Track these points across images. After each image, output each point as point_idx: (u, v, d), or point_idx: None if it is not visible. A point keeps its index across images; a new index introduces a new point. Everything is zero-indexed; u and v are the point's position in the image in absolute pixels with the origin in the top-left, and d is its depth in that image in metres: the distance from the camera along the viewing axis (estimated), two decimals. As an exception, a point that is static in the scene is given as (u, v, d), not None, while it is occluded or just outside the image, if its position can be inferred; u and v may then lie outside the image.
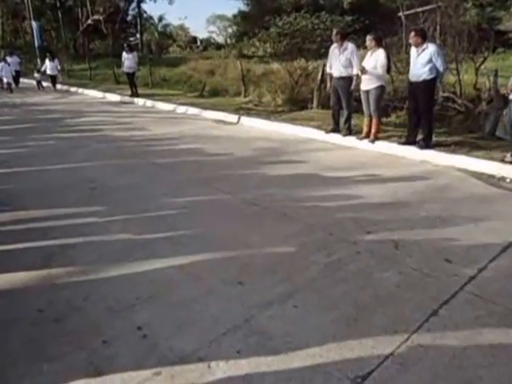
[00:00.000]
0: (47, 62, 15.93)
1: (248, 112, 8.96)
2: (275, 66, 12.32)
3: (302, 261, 2.97)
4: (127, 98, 12.19)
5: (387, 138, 6.20)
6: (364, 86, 6.00)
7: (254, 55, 18.87)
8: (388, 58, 5.81)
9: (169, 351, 2.12)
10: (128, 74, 12.21)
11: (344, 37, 6.32)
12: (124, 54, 12.13)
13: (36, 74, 16.91)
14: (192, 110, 9.65)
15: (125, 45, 13.09)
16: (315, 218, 3.67)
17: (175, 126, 8.11)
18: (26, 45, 27.45)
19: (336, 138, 6.57)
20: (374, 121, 6.04)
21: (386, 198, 4.15)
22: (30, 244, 3.29)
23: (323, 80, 8.72)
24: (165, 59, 23.77)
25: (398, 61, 7.80)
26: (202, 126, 8.11)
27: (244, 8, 30.39)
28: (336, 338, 2.18)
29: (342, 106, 6.50)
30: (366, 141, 6.14)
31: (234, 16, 32.46)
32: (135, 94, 12.14)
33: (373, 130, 6.08)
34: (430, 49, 5.33)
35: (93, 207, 4.02)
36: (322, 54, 8.91)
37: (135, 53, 12.59)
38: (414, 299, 2.50)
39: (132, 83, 12.21)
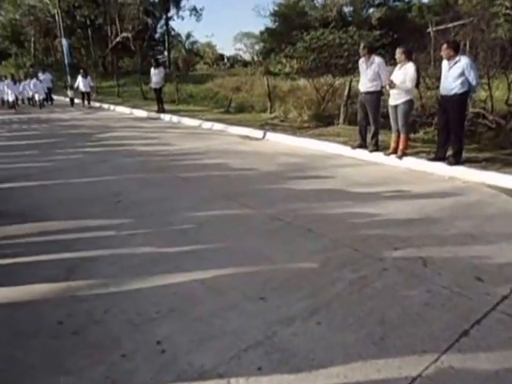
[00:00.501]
0: (80, 78, 16.02)
1: (274, 128, 8.97)
2: (302, 82, 12.36)
3: (326, 277, 2.86)
4: (154, 114, 12.45)
5: (415, 154, 6.04)
6: (392, 101, 5.89)
7: (280, 72, 19.06)
8: (418, 71, 5.70)
9: (188, 366, 2.06)
10: (155, 90, 12.46)
11: (371, 50, 6.25)
12: (152, 70, 12.42)
13: (69, 91, 17.07)
14: (217, 126, 9.74)
15: (152, 60, 13.43)
16: (341, 234, 3.56)
17: (200, 141, 8.19)
18: (56, 63, 28.67)
19: (363, 154, 6.46)
20: (402, 136, 5.91)
21: (414, 214, 4.00)
22: (53, 256, 3.32)
23: (350, 96, 8.67)
24: (192, 76, 24.35)
25: (426, 76, 7.66)
26: (228, 142, 8.15)
27: (271, 25, 30.89)
28: (361, 358, 2.07)
29: (368, 122, 6.39)
30: (393, 157, 6.00)
31: (261, 33, 32.98)
32: (162, 110, 12.37)
33: (400, 146, 5.93)
34: (463, 61, 5.17)
35: (116, 220, 4.05)
36: (350, 69, 8.83)
37: (161, 68, 12.85)
38: (444, 318, 2.36)
39: (159, 99, 12.46)
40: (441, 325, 2.31)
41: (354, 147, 6.64)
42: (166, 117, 11.88)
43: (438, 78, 5.72)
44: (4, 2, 33.96)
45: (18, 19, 32.38)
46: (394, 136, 6.09)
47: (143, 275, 2.97)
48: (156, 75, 12.28)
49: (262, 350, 2.15)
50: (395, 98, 5.82)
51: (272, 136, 8.29)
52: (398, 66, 5.83)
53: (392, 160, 6.00)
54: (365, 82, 6.21)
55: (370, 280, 2.81)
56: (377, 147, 6.35)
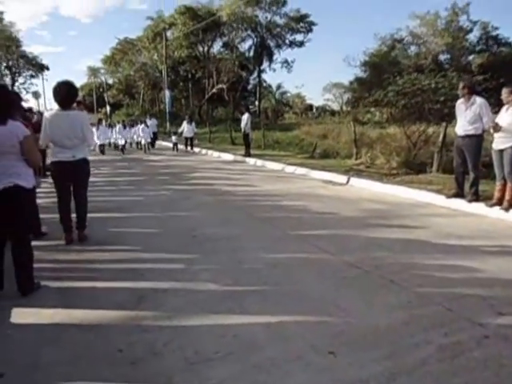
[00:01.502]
0: (185, 124, 16.54)
1: (359, 173, 8.63)
2: (391, 130, 11.95)
3: (409, 337, 2.45)
4: (240, 158, 12.90)
5: (525, 206, 5.26)
6: (497, 145, 5.28)
7: (369, 121, 18.76)
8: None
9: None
10: (243, 134, 13.05)
11: (472, 91, 5.72)
12: (242, 116, 13.12)
13: (173, 137, 17.60)
14: (300, 170, 9.68)
15: (243, 108, 14.15)
16: (430, 289, 3.10)
17: (281, 184, 8.15)
18: (159, 111, 31.66)
19: (459, 204, 5.82)
20: (509, 185, 5.19)
21: (525, 274, 3.37)
22: (126, 283, 3.36)
23: (445, 142, 8.08)
24: (280, 124, 25.10)
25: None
26: (309, 185, 7.99)
27: (361, 74, 30.95)
28: None
29: (466, 168, 5.79)
30: (497, 208, 5.29)
31: (351, 82, 33.15)
32: (248, 154, 12.78)
33: (507, 197, 5.21)
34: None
35: (190, 254, 4.04)
36: (446, 115, 8.24)
37: (249, 114, 13.45)
38: None
39: (246, 143, 12.93)
40: None
41: (448, 196, 6.02)
42: (251, 160, 12.20)
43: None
44: (122, 60, 39.21)
45: (132, 75, 36.91)
46: (498, 185, 5.40)
47: (207, 312, 2.84)
48: (244, 120, 12.97)
49: (326, 415, 1.84)
50: (501, 142, 5.22)
51: (356, 181, 7.95)
52: (505, 107, 5.26)
53: (496, 212, 5.29)
54: (463, 125, 5.69)
55: (467, 348, 2.33)
56: (477, 197, 5.68)
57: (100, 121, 16.97)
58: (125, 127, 18.64)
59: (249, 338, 2.50)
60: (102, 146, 15.63)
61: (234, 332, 2.57)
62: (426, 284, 3.20)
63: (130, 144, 19.30)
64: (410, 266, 3.61)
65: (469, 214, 5.49)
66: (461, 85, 5.85)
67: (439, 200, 6.15)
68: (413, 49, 31.57)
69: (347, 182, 8.12)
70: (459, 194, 5.91)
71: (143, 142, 16.78)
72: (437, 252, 4.00)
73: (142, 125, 17.59)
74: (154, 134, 18.71)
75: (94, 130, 14.95)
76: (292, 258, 3.90)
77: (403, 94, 8.70)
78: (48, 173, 5.70)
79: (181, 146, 17.13)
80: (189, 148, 16.64)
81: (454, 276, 3.38)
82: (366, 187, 7.60)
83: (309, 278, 3.40)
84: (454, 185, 6.03)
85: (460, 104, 5.82)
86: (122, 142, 17.26)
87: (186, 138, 16.64)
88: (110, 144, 18.89)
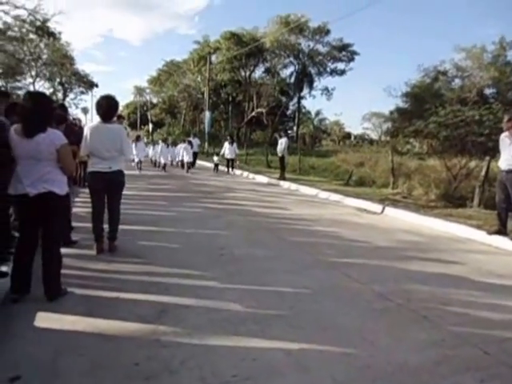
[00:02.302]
0: (227, 145, 16.12)
1: (394, 203, 8.38)
2: (431, 161, 11.61)
3: (441, 379, 2.27)
4: (274, 180, 12.88)
5: None
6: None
7: (408, 151, 18.34)
8: None
9: None
10: (279, 158, 13.07)
11: (517, 123, 5.49)
12: (279, 139, 13.19)
13: (215, 157, 17.20)
14: (334, 197, 9.52)
15: (281, 132, 14.21)
16: (466, 329, 2.89)
17: (314, 209, 8.03)
18: (199, 132, 32.39)
19: (502, 242, 5.49)
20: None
21: None
22: (150, 297, 3.35)
23: (488, 177, 7.74)
24: (316, 151, 25.02)
25: None
26: (342, 212, 7.82)
27: (402, 105, 30.47)
28: None
29: (510, 205, 5.48)
30: (543, 248, 4.95)
31: (391, 112, 32.70)
32: (282, 177, 12.75)
33: (553, 237, 4.89)
34: None
35: (216, 272, 3.99)
36: (489, 149, 7.91)
37: (286, 138, 13.50)
38: None
39: (281, 166, 12.94)
40: None
41: (490, 233, 5.70)
42: (285, 184, 12.16)
43: None
44: (167, 81, 40.82)
45: (175, 95, 38.25)
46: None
47: (227, 332, 2.77)
48: (281, 144, 13.01)
49: None
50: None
51: (392, 211, 7.71)
52: None
53: (541, 252, 4.95)
54: (507, 159, 5.42)
55: (505, 397, 2.13)
56: (520, 235, 5.35)
57: (138, 137, 17.08)
58: (168, 146, 18.59)
59: (268, 363, 2.40)
60: (139, 163, 15.50)
61: (254, 356, 2.48)
62: (461, 323, 2.99)
63: (171, 162, 18.95)
64: (445, 302, 3.40)
65: (511, 253, 5.17)
66: (506, 118, 5.61)
67: (479, 236, 5.84)
68: (457, 81, 30.91)
69: (382, 211, 7.89)
70: (501, 231, 5.58)
71: (185, 160, 16.30)
72: (475, 290, 3.75)
73: (185, 143, 17.17)
74: (195, 153, 18.36)
75: (133, 146, 15.04)
76: (320, 284, 3.77)
77: (445, 125, 8.46)
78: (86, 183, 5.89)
79: (221, 167, 16.83)
80: (229, 169, 16.16)
81: (493, 317, 3.14)
82: (401, 218, 7.35)
83: (336, 307, 3.27)
84: (496, 221, 5.71)
85: (504, 137, 5.57)
86: (163, 160, 16.97)
87: (228, 160, 16.17)
88: (151, 161, 19.16)
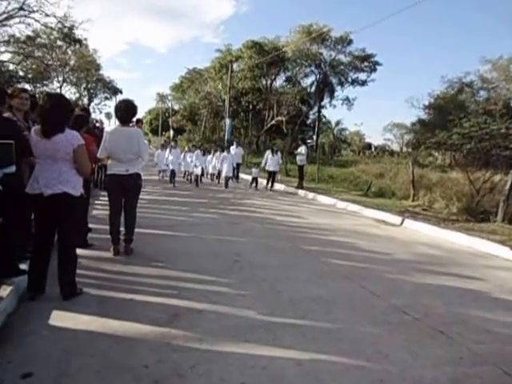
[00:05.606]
0: (269, 155, 12.94)
1: (414, 216, 8.21)
2: (453, 174, 11.38)
3: (458, 398, 2.18)
4: (292, 189, 12.81)
5: None
6: None
7: (430, 164, 18.03)
8: None
9: None
10: (298, 166, 13.02)
11: (544, 139, 5.33)
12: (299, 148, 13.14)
13: (253, 169, 13.64)
14: (352, 207, 9.40)
15: (300, 141, 14.14)
16: (485, 347, 2.78)
17: (331, 219, 7.94)
18: (219, 139, 32.56)
19: (525, 258, 5.31)
20: None
21: None
22: (163, 300, 3.36)
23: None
24: (336, 160, 24.84)
25: None
26: (361, 223, 7.71)
27: (424, 116, 30.07)
28: None
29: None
30: None
31: (413, 124, 32.34)
32: (301, 186, 12.68)
33: None
34: None
35: (230, 278, 3.97)
36: (515, 163, 7.71)
37: (305, 146, 13.46)
38: None
39: (300, 175, 12.89)
40: None
41: (513, 248, 5.53)
42: (302, 192, 12.09)
43: None
44: (189, 89, 41.36)
45: (197, 102, 38.68)
46: None
47: (238, 339, 2.74)
48: (300, 153, 13.01)
49: None
50: None
51: (411, 224, 7.56)
52: None
53: None
54: (533, 173, 5.27)
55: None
56: (546, 252, 5.15)
57: (176, 142, 14.60)
58: (204, 153, 14.88)
59: (278, 372, 2.36)
60: (173, 173, 12.51)
61: (264, 364, 2.44)
62: (481, 340, 2.89)
63: (206, 174, 15.27)
64: (465, 318, 3.29)
65: (537, 271, 4.98)
66: None
67: (503, 252, 5.66)
68: (482, 93, 30.36)
69: (401, 223, 7.74)
70: (527, 248, 5.40)
71: (223, 174, 12.94)
72: (497, 307, 3.63)
73: (224, 152, 13.46)
74: (238, 164, 14.95)
75: (167, 152, 13.36)
76: (335, 294, 3.71)
77: (469, 137, 8.26)
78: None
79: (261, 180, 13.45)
80: (269, 185, 12.96)
81: (515, 336, 3.02)
82: (421, 230, 7.19)
83: (350, 318, 3.20)
84: (522, 237, 5.53)
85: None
86: (198, 171, 13.07)
87: (269, 172, 12.92)
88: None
